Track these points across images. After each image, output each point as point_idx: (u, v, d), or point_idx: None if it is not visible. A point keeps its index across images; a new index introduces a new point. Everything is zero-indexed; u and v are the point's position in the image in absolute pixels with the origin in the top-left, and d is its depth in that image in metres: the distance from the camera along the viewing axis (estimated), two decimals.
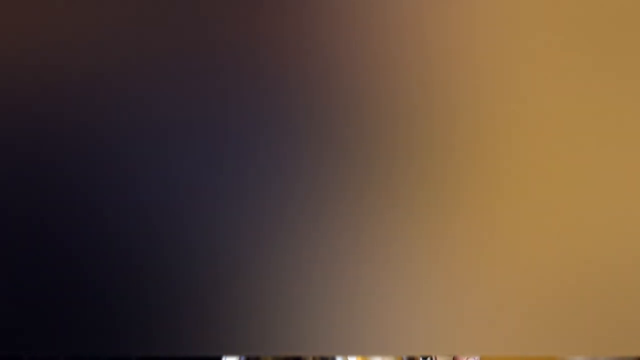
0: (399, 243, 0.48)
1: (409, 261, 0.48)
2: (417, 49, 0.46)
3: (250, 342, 0.49)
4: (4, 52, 0.44)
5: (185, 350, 0.49)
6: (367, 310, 0.48)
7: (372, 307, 0.48)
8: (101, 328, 0.48)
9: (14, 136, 0.47)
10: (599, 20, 0.46)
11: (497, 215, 0.48)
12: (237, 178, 0.48)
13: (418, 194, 0.48)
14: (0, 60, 0.44)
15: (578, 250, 0.48)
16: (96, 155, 0.47)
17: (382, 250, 0.48)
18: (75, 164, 0.47)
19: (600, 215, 0.48)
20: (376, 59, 0.46)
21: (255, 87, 0.46)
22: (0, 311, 0.48)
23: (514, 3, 0.46)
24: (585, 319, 0.48)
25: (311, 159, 0.47)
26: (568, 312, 0.48)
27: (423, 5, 0.46)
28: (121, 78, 0.46)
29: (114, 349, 0.49)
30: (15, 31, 0.44)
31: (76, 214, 0.48)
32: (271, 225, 0.48)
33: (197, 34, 0.46)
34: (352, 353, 0.49)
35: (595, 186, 0.48)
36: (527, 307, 0.48)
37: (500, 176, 0.48)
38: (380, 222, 0.48)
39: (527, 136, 0.47)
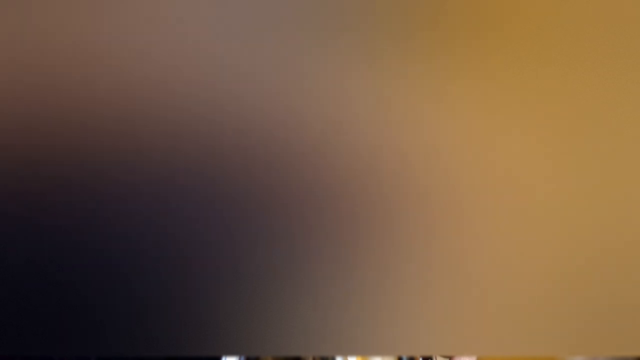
0: (399, 244, 0.48)
1: (408, 262, 0.48)
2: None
3: (250, 342, 0.49)
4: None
5: (185, 350, 0.49)
6: (367, 310, 0.48)
7: (372, 307, 0.48)
8: (102, 328, 0.48)
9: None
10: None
11: (497, 215, 0.48)
12: (238, 180, 0.48)
13: (418, 194, 0.48)
14: None
15: (578, 250, 0.48)
16: (96, 155, 0.47)
17: (381, 250, 0.48)
18: (75, 167, 0.47)
19: (599, 215, 0.48)
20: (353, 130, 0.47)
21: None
22: (4, 312, 0.48)
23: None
24: (585, 319, 0.48)
25: (313, 161, 0.47)
26: (568, 312, 0.48)
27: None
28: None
29: (114, 349, 0.49)
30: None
31: (77, 216, 0.48)
32: (271, 226, 0.48)
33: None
34: (352, 353, 0.49)
35: (594, 186, 0.48)
36: (526, 307, 0.48)
37: (499, 177, 0.48)
38: (379, 222, 0.48)
39: (526, 137, 0.47)
